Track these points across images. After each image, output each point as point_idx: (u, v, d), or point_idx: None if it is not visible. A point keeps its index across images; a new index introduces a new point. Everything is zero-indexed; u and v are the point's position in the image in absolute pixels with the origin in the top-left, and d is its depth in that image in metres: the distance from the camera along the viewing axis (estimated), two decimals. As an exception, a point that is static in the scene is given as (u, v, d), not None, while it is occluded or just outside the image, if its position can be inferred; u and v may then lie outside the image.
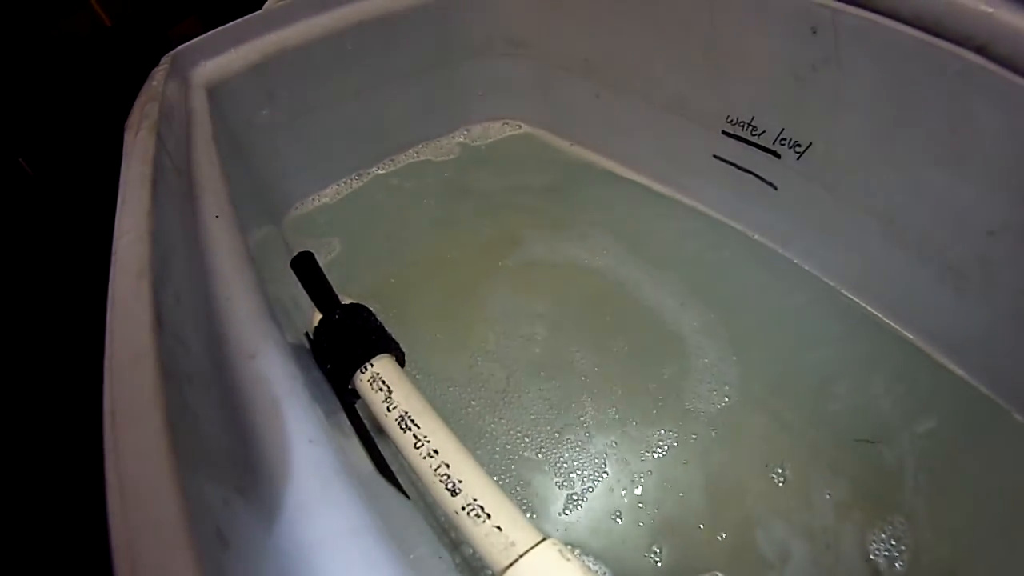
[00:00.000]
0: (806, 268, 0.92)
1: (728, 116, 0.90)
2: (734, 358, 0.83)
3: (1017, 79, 0.62)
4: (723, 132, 0.92)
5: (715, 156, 0.96)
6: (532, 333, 0.89)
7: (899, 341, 0.85)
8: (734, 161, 0.94)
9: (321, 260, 0.59)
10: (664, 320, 0.89)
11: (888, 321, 0.86)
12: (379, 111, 1.08)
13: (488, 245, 1.03)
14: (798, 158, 0.85)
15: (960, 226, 0.73)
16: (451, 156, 1.15)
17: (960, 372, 0.79)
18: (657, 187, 1.07)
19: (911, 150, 0.74)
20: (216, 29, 0.88)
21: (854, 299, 0.88)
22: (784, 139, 0.85)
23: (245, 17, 0.90)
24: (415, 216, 1.09)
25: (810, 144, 0.83)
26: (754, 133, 0.88)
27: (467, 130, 1.19)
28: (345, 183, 1.13)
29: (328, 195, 1.12)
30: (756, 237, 0.97)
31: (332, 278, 0.58)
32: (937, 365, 0.81)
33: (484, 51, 1.11)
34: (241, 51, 0.90)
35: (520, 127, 1.21)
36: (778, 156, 0.88)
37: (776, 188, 0.90)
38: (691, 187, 1.02)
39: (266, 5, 0.93)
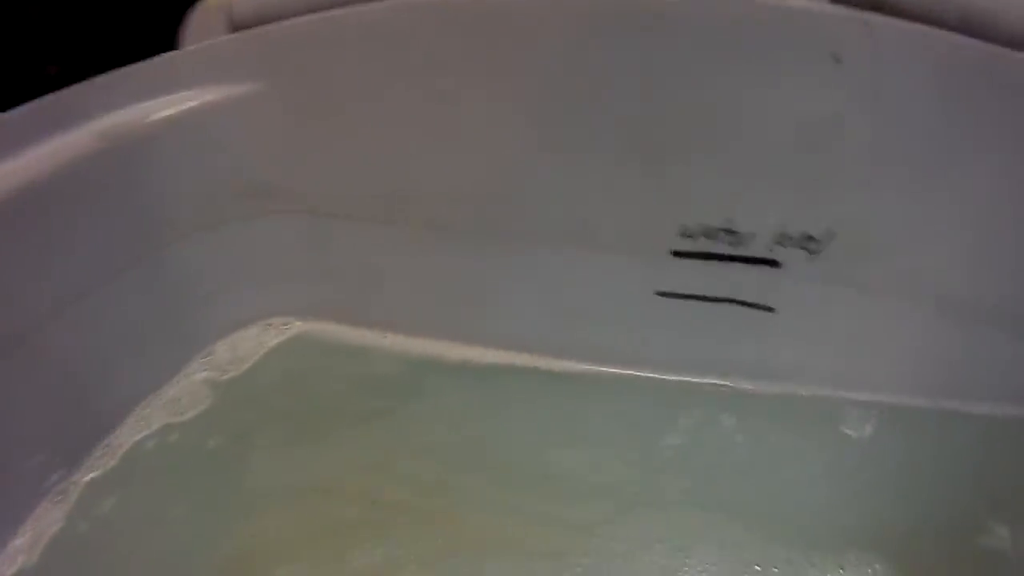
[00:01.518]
0: (826, 394, 0.63)
1: (682, 227, 0.59)
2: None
3: None
4: (674, 253, 0.60)
5: (660, 293, 0.63)
6: None
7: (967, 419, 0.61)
8: (696, 292, 0.62)
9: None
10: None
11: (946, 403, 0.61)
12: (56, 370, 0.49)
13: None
14: (811, 258, 0.58)
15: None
16: (196, 409, 0.59)
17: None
18: (563, 365, 0.68)
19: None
20: None
21: (898, 400, 0.62)
22: (787, 237, 0.57)
23: None
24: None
25: (832, 234, 0.56)
26: (733, 241, 0.58)
27: (210, 355, 0.64)
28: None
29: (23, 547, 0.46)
30: (745, 387, 0.65)
31: None
32: None
33: (210, 214, 0.61)
34: None
35: (290, 326, 0.70)
36: (777, 265, 0.59)
37: (773, 310, 0.61)
38: (624, 350, 0.66)
39: None
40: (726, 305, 0.62)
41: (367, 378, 0.69)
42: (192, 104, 0.55)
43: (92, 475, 0.55)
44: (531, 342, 0.67)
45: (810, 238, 0.57)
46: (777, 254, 0.58)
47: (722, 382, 0.65)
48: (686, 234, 0.59)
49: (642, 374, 0.67)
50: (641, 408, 0.67)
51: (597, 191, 0.58)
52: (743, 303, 0.61)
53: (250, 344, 0.68)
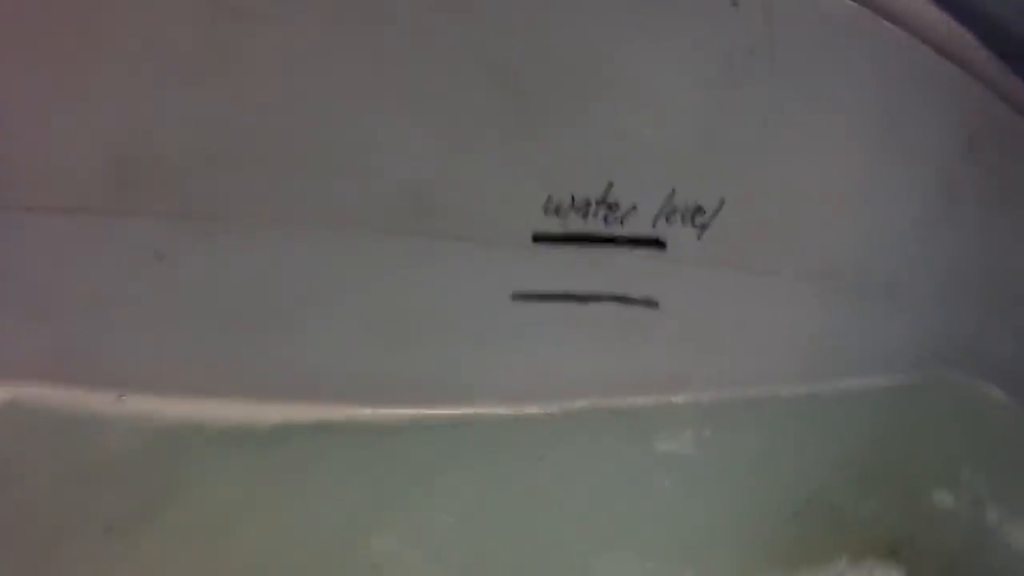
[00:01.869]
0: (705, 401, 0.53)
1: (548, 200, 0.43)
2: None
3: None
4: (535, 237, 0.45)
5: (517, 296, 0.46)
6: None
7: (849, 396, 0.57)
8: (563, 290, 0.47)
9: None
10: None
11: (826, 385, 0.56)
12: None
13: None
14: (700, 236, 0.46)
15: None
16: None
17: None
18: (383, 414, 0.47)
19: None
20: None
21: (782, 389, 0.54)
22: (674, 211, 0.45)
23: None
24: None
25: (721, 203, 0.45)
26: (611, 217, 0.45)
27: None
28: None
29: None
30: (620, 403, 0.51)
31: None
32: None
33: None
34: None
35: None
36: (662, 246, 0.46)
37: (658, 306, 0.49)
38: (468, 382, 0.48)
39: None
40: (600, 305, 0.48)
41: (95, 467, 0.40)
42: None
43: None
44: (337, 386, 0.45)
45: (699, 209, 0.45)
46: (662, 231, 0.46)
47: (597, 403, 0.51)
48: (552, 210, 0.44)
49: (492, 411, 0.50)
50: (487, 459, 0.50)
51: (443, 153, 0.40)
52: (622, 299, 0.47)
53: None
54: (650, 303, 0.48)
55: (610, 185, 0.43)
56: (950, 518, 0.63)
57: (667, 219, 0.45)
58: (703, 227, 0.46)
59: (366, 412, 0.46)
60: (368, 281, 0.43)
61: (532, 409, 0.51)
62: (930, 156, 0.51)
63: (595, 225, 0.45)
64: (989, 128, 0.56)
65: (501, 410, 0.50)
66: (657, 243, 0.46)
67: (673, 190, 0.44)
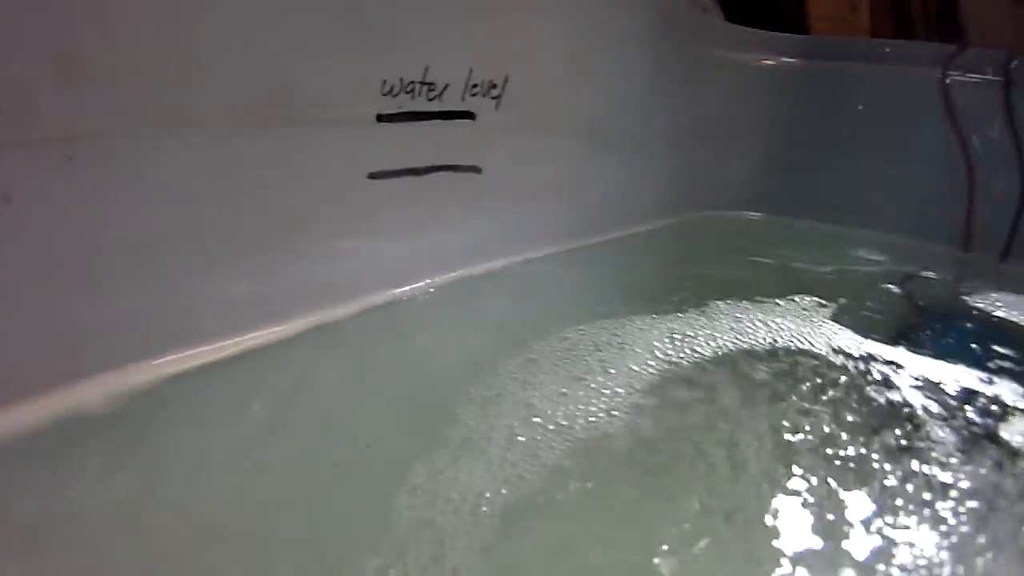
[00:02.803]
0: (510, 261, 0.66)
1: (384, 83, 0.53)
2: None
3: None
4: (379, 117, 0.53)
5: (372, 175, 0.54)
6: None
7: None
8: (407, 165, 0.56)
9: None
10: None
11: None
12: None
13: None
14: (497, 107, 0.60)
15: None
16: None
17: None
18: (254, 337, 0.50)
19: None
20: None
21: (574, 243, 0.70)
22: (475, 86, 0.58)
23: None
24: None
25: (506, 79, 0.60)
26: (432, 95, 0.56)
27: None
28: None
29: None
30: (453, 275, 0.61)
31: None
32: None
33: None
34: None
35: None
36: (472, 116, 0.59)
37: (481, 171, 0.60)
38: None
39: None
40: (436, 176, 0.58)
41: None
42: None
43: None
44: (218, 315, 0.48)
45: (492, 84, 0.59)
46: (470, 104, 0.58)
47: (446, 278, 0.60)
48: (388, 91, 0.53)
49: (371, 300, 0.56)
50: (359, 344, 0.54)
51: (297, 49, 0.47)
52: (452, 167, 0.59)
53: None
54: (475, 169, 0.60)
55: (427, 68, 0.55)
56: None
57: (471, 94, 0.58)
58: (498, 99, 0.60)
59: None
60: (242, 185, 0.47)
61: (403, 290, 0.58)
62: (638, 39, 0.73)
63: (420, 104, 0.56)
64: (679, 16, 0.79)
65: (377, 299, 0.57)
66: (468, 115, 0.59)
67: (471, 69, 0.58)
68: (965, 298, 0.74)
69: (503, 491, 0.38)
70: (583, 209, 0.71)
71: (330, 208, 0.53)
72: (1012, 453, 0.45)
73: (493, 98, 0.60)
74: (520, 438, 0.42)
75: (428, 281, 0.60)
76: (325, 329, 0.53)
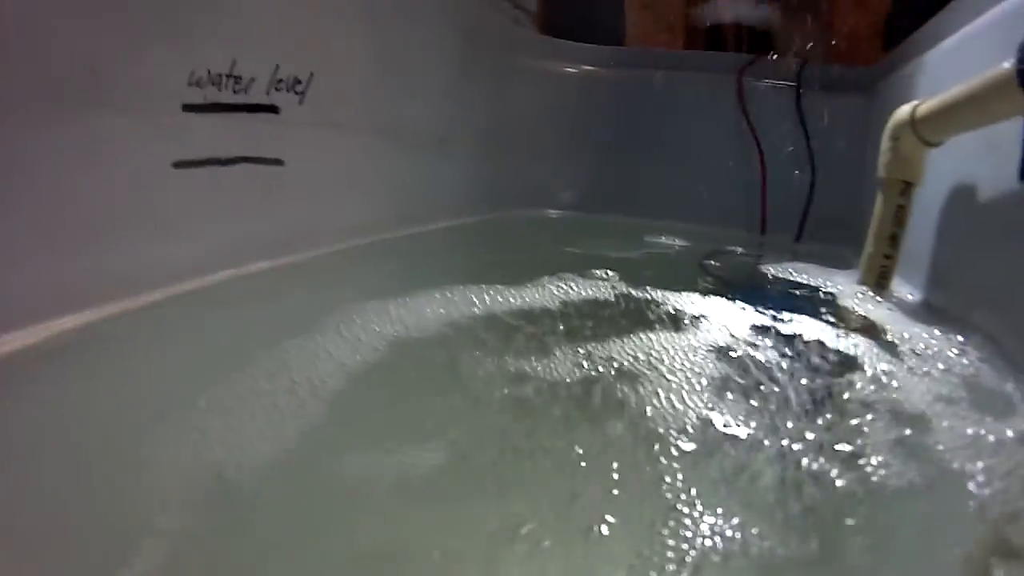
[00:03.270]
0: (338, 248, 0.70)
1: (192, 74, 0.52)
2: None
3: None
4: (184, 107, 0.52)
5: (176, 164, 0.53)
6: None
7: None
8: (210, 155, 0.55)
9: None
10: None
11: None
12: None
13: None
14: (301, 102, 0.62)
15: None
16: None
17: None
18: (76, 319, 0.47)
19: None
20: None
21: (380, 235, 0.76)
22: (280, 81, 0.59)
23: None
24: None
25: (311, 76, 0.62)
26: (238, 88, 0.56)
27: None
28: None
29: None
30: (254, 267, 0.62)
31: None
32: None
33: None
34: None
35: None
36: (276, 111, 0.60)
37: (283, 163, 0.62)
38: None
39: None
40: (239, 167, 0.59)
41: None
42: None
43: None
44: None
45: (297, 80, 0.62)
46: (274, 99, 0.60)
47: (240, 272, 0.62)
48: (195, 82, 0.53)
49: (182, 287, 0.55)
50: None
51: (105, 33, 0.44)
52: (254, 159, 0.60)
53: None
54: (277, 161, 0.62)
55: (234, 61, 0.55)
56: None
57: (276, 89, 0.60)
58: (302, 94, 0.62)
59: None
60: (37, 171, 0.44)
61: (213, 279, 0.58)
62: (443, 47, 0.79)
63: (226, 96, 0.56)
64: (487, 28, 0.86)
65: (189, 285, 0.56)
66: (272, 108, 0.60)
67: (277, 65, 0.59)
68: (763, 269, 0.82)
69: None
70: (385, 205, 0.76)
71: (133, 196, 0.51)
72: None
73: (297, 93, 0.62)
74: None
75: (233, 272, 0.60)
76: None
